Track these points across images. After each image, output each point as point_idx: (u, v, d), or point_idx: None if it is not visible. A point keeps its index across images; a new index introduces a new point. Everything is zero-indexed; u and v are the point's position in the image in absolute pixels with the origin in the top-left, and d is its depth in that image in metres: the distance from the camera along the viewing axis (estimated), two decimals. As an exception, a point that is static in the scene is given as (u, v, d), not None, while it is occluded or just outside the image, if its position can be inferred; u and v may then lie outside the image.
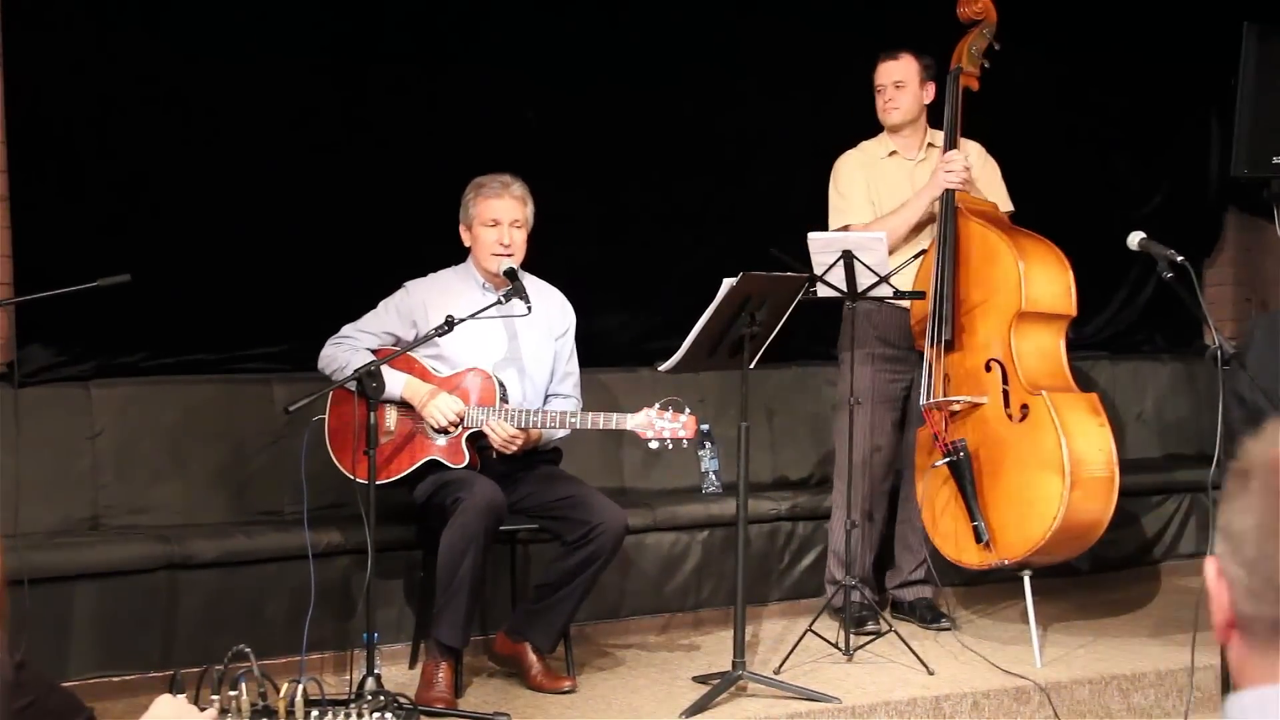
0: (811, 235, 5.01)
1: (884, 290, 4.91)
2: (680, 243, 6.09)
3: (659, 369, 4.81)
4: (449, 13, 5.70)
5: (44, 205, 5.15)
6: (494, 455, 4.66)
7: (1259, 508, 1.42)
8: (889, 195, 5.30)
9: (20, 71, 5.10)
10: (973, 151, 5.30)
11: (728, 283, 4.47)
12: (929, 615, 5.36)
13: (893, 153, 5.37)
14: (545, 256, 4.99)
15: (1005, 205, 5.35)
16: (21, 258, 5.11)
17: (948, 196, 5.13)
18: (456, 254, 4.84)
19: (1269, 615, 1.42)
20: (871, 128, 5.41)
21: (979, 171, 5.30)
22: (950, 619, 5.39)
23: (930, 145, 5.36)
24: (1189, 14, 6.74)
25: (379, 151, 5.59)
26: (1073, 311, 5.14)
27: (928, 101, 5.32)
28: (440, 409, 4.57)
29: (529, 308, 4.59)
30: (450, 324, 4.43)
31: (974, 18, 5.26)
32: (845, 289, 4.90)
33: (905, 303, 5.18)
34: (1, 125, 5.10)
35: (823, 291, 4.92)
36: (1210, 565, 1.47)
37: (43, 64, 5.12)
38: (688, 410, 4.56)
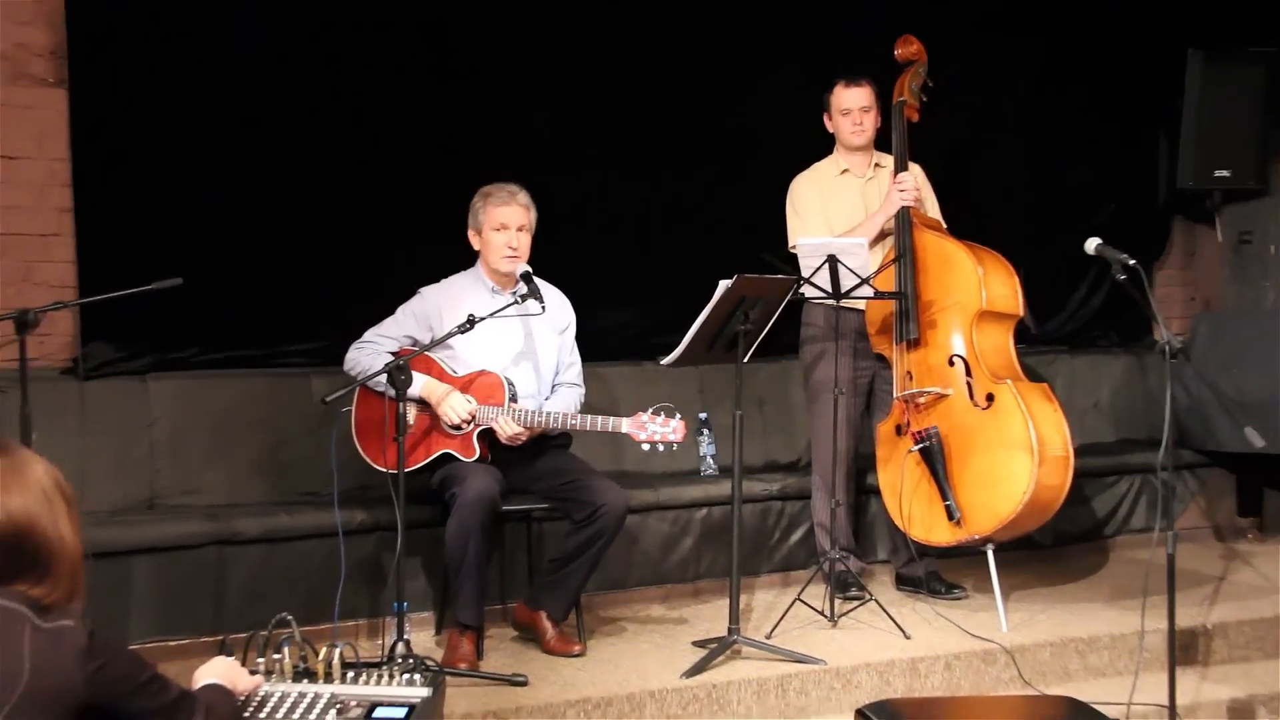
0: (800, 240, 5.17)
1: (865, 291, 5.05)
2: (684, 242, 6.14)
3: (661, 362, 4.93)
4: (460, 15, 5.77)
5: (106, 216, 5.27)
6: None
7: None
8: (843, 210, 5.48)
9: (84, 98, 5.24)
10: (918, 174, 5.52)
11: (723, 284, 4.58)
12: (942, 587, 5.47)
13: (844, 171, 5.55)
14: (554, 255, 5.05)
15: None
16: (86, 264, 5.25)
17: (903, 213, 5.35)
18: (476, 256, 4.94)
19: None
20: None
21: (924, 191, 5.53)
22: (962, 587, 5.47)
23: (878, 165, 5.56)
24: (1139, 42, 6.90)
25: (408, 160, 5.67)
26: (1020, 312, 5.32)
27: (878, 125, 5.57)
28: (454, 408, 4.68)
29: (543, 307, 4.71)
30: (472, 322, 4.49)
31: (909, 58, 5.52)
32: (830, 289, 5.04)
33: (861, 305, 5.35)
34: (67, 145, 5.26)
35: (810, 292, 5.06)
36: None
37: (104, 91, 5.24)
38: (678, 416, 4.60)
